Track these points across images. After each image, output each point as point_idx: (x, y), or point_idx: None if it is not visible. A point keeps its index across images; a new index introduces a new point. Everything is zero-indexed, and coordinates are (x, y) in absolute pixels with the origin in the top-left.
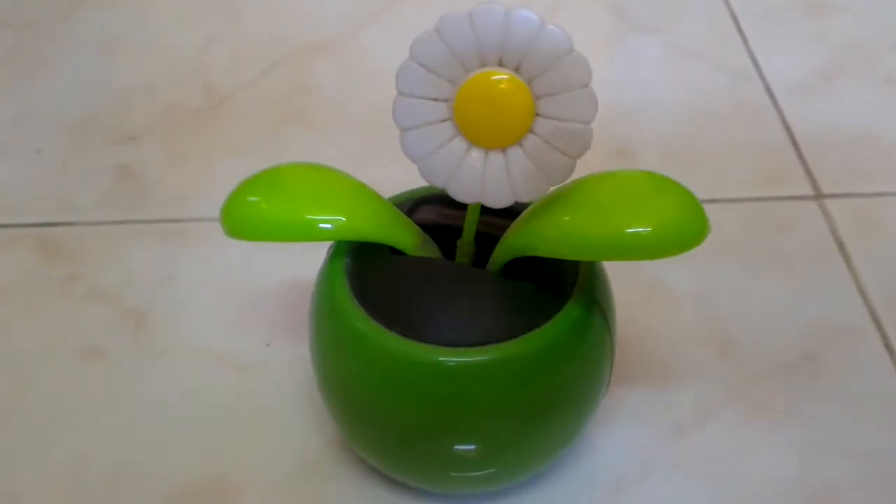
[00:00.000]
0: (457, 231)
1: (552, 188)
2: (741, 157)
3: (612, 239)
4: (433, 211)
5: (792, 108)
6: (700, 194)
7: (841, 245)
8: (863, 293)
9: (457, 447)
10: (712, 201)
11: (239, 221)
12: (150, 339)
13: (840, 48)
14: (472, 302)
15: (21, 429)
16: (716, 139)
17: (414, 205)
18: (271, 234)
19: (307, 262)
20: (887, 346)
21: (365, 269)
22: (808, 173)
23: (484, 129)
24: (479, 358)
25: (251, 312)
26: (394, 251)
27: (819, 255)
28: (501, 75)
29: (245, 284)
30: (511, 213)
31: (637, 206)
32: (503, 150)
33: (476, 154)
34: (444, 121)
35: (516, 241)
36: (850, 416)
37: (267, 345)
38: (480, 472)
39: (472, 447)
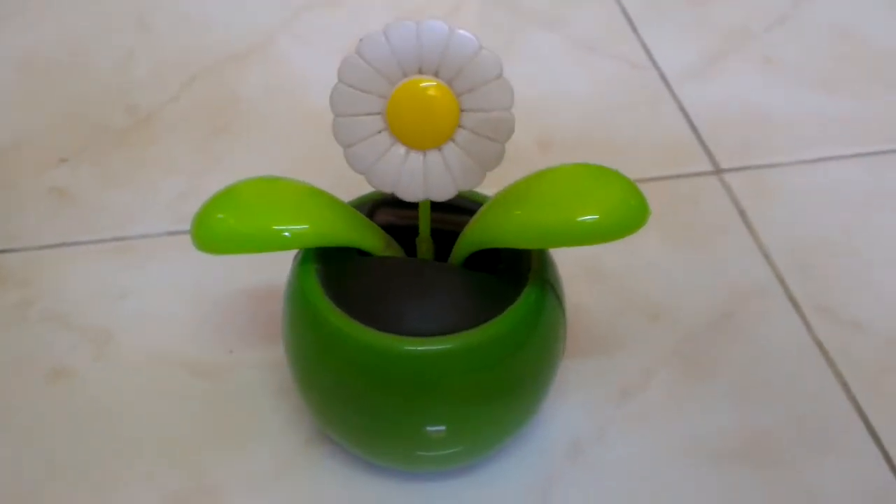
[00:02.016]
0: (415, 230)
1: (488, 173)
2: (646, 140)
3: (565, 227)
4: (390, 213)
5: (685, 92)
6: None
7: (742, 214)
8: (766, 255)
9: (428, 429)
10: None
11: (210, 237)
12: (116, 355)
13: (721, 33)
14: (439, 294)
15: None
16: (621, 125)
17: (372, 208)
18: (243, 246)
19: (259, 269)
20: (791, 299)
21: (335, 272)
22: (707, 151)
23: (417, 132)
24: (447, 346)
25: (210, 322)
26: (361, 253)
27: (724, 225)
28: (424, 82)
29: (200, 295)
30: (463, 209)
31: (585, 196)
32: (438, 148)
33: (415, 156)
34: (380, 132)
35: (476, 236)
36: (769, 363)
37: (230, 351)
38: (450, 451)
39: (442, 428)
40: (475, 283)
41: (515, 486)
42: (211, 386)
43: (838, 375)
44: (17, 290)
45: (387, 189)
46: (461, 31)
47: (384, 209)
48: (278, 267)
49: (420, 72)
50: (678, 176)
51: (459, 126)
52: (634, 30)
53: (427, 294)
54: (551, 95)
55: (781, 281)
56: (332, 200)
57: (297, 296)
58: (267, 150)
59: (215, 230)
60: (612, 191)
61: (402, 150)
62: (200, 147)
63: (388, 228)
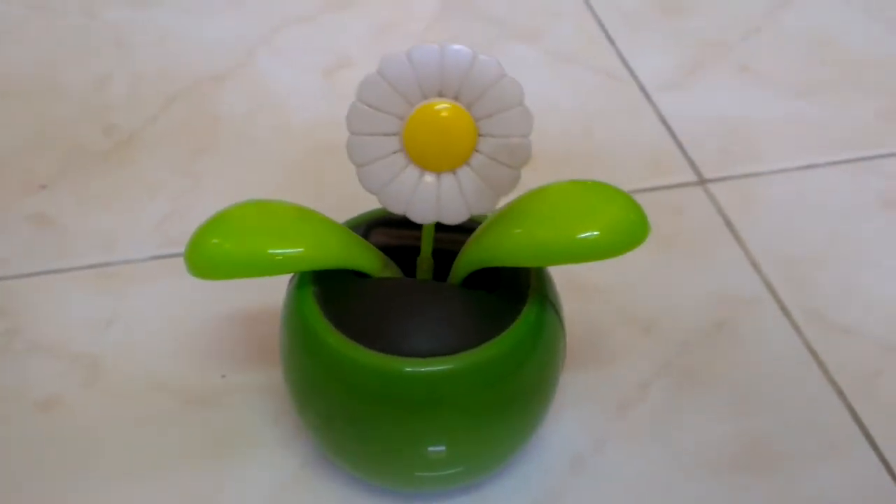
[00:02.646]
0: (410, 250)
1: (502, 199)
2: (627, 152)
3: (565, 245)
4: (385, 234)
5: (664, 102)
6: None
7: (729, 223)
8: (754, 264)
9: (430, 449)
10: None
11: (205, 263)
12: (105, 383)
13: (697, 44)
14: (439, 314)
15: None
16: (603, 138)
17: (367, 229)
18: (239, 271)
19: (248, 292)
20: (782, 308)
21: (333, 294)
22: (690, 162)
23: (433, 155)
24: (450, 366)
25: (200, 346)
26: (358, 274)
27: (711, 235)
28: (444, 104)
29: (188, 320)
30: (461, 228)
31: (584, 212)
32: (453, 171)
33: (429, 178)
34: (395, 153)
35: (475, 255)
36: (763, 372)
37: (223, 376)
38: (453, 470)
39: (443, 449)
40: (475, 302)
41: (514, 499)
42: (204, 412)
43: (832, 382)
44: (0, 321)
45: (398, 210)
46: (484, 57)
47: (379, 230)
48: (268, 290)
49: (440, 94)
50: (663, 187)
51: (476, 150)
52: (612, 42)
53: (428, 314)
54: (531, 108)
55: (771, 289)
56: (328, 222)
57: (295, 319)
58: (251, 170)
59: (210, 256)
60: (611, 207)
61: (416, 171)
62: (183, 168)
63: (384, 249)
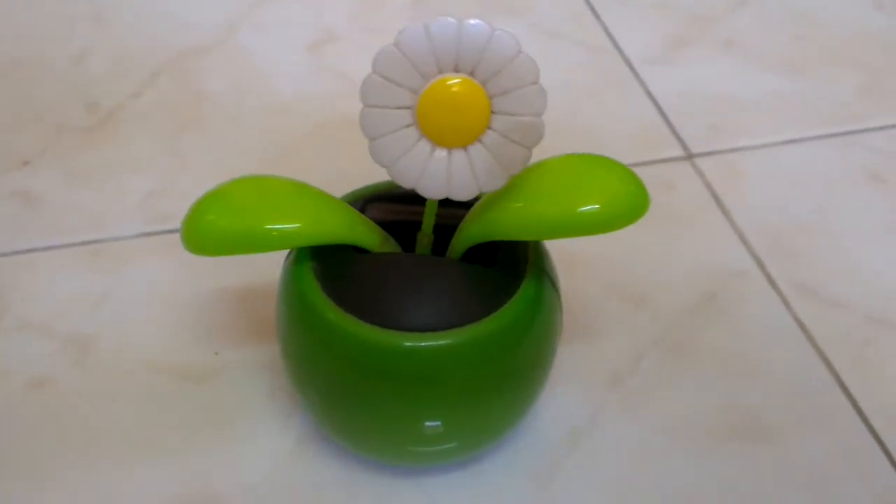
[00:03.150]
0: (406, 226)
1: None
2: (614, 127)
3: (566, 219)
4: (380, 209)
5: (651, 77)
6: None
7: (717, 198)
8: (742, 238)
9: (428, 424)
10: None
11: (202, 240)
12: (97, 362)
13: (683, 18)
14: (440, 289)
15: None
16: (591, 113)
17: (363, 204)
18: (237, 247)
19: (238, 268)
20: (770, 281)
21: (332, 269)
22: (677, 136)
23: (446, 130)
24: (450, 340)
25: (192, 324)
26: (357, 250)
27: (699, 209)
28: (459, 80)
29: (179, 297)
30: (459, 203)
31: (585, 186)
32: (465, 148)
33: (440, 154)
34: (408, 126)
35: (476, 229)
36: (753, 343)
37: (216, 353)
38: (451, 444)
39: (439, 424)
40: (475, 277)
41: (518, 476)
42: (198, 389)
43: (820, 353)
44: None
45: (409, 184)
46: (501, 32)
47: (375, 205)
48: (259, 265)
49: (456, 69)
50: (650, 162)
51: (489, 128)
52: (597, 16)
53: (427, 289)
54: None
55: (759, 262)
56: (326, 197)
57: (293, 295)
58: (236, 147)
59: (207, 231)
60: (611, 180)
61: (428, 146)
62: (168, 144)
63: (381, 224)
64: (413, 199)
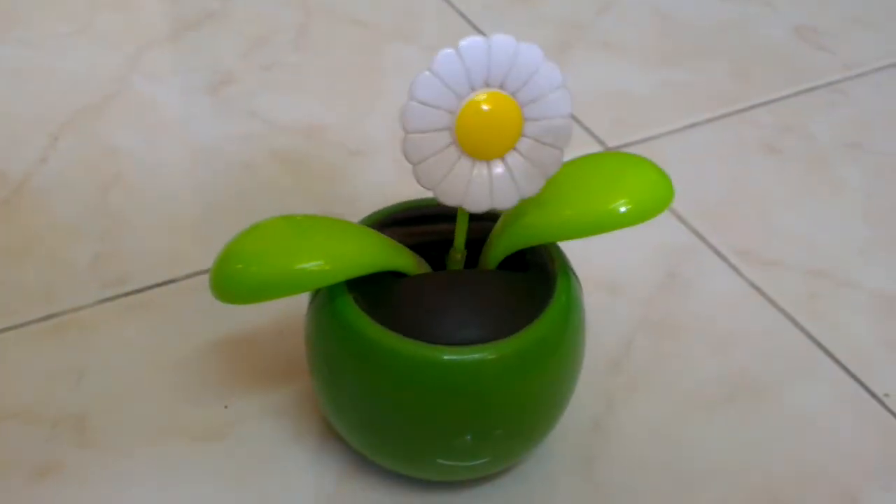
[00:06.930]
0: (423, 247)
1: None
2: None
3: (603, 217)
4: (395, 232)
5: None
6: None
7: None
8: (680, 217)
9: (468, 439)
10: None
11: (233, 289)
12: (99, 439)
13: (557, 26)
14: (487, 301)
15: None
16: None
17: (379, 230)
18: (272, 292)
19: (214, 320)
20: (716, 252)
21: (374, 297)
22: (591, 133)
23: (484, 144)
24: (499, 353)
25: (189, 382)
26: (395, 275)
27: None
28: (493, 95)
29: (164, 358)
30: (479, 216)
31: (616, 183)
32: (502, 158)
33: (480, 167)
34: (448, 146)
35: (513, 237)
36: (722, 312)
37: (225, 406)
38: (491, 458)
39: (482, 437)
40: (518, 284)
41: (558, 472)
42: (220, 446)
43: (781, 310)
44: None
45: (454, 203)
46: (525, 45)
47: (389, 229)
48: (237, 313)
49: (486, 85)
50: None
51: (522, 135)
52: (480, 32)
53: (476, 303)
54: None
55: (701, 237)
56: (353, 227)
57: (341, 327)
58: (169, 195)
59: (238, 281)
60: (636, 174)
61: (468, 162)
62: (94, 206)
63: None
64: (421, 219)
